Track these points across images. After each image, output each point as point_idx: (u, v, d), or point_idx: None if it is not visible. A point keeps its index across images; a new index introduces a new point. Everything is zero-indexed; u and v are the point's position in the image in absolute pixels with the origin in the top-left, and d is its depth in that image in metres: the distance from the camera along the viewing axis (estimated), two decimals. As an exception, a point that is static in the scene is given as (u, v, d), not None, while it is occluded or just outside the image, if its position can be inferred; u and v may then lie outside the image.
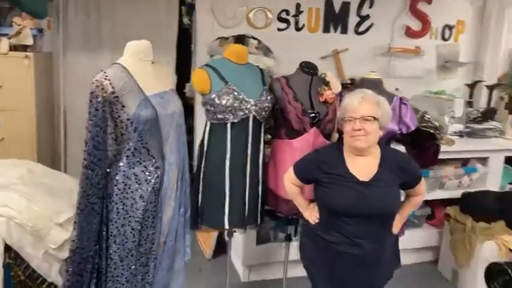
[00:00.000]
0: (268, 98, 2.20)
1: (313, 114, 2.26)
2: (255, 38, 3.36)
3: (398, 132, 2.46)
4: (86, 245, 1.91)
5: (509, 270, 1.87)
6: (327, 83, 2.33)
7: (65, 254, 2.49)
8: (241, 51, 2.21)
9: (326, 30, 3.82)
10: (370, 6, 3.90)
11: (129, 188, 1.90)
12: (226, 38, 3.37)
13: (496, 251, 2.85)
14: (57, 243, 2.43)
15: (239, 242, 2.76)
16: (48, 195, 2.57)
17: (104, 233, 1.94)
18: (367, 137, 1.82)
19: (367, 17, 3.90)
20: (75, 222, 1.89)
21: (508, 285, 1.90)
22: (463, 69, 4.32)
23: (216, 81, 2.09)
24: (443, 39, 4.22)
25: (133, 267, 1.96)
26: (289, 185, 2.06)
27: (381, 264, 1.92)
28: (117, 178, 1.89)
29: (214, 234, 3.28)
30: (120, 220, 1.91)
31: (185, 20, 3.79)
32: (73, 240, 1.90)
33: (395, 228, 1.97)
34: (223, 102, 2.05)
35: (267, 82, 2.28)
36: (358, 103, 1.84)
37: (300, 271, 2.98)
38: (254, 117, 2.14)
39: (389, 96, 2.54)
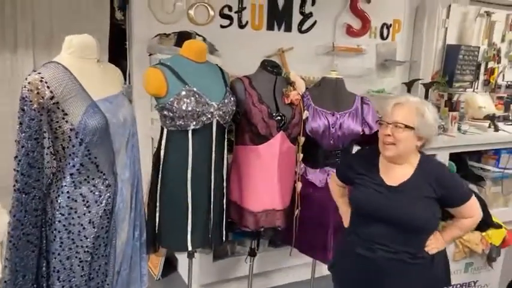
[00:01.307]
0: (232, 100, 1.97)
1: (279, 117, 2.08)
2: (199, 35, 3.09)
3: (361, 133, 2.36)
4: (21, 286, 1.55)
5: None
6: (291, 83, 2.15)
7: (-11, 293, 2.08)
8: (201, 48, 1.95)
9: (270, 27, 3.66)
10: (313, 4, 3.79)
11: (76, 212, 1.58)
12: (168, 35, 3.06)
13: (453, 249, 2.86)
14: (-22, 282, 2.02)
15: (193, 258, 2.49)
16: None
17: (44, 269, 1.60)
18: (396, 145, 1.69)
19: (310, 14, 3.80)
20: (6, 259, 1.52)
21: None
22: (401, 67, 4.38)
23: (174, 82, 1.82)
24: (382, 38, 4.24)
25: (83, 306, 1.64)
26: (333, 184, 2.08)
27: (401, 281, 1.74)
28: (59, 201, 1.56)
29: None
30: (65, 252, 1.58)
31: (118, 15, 3.41)
32: (5, 282, 1.53)
33: (429, 248, 1.76)
34: (184, 106, 1.79)
35: (228, 82, 2.05)
36: (392, 108, 1.72)
37: (260, 284, 2.81)
38: (218, 122, 1.90)
39: (351, 96, 2.44)
